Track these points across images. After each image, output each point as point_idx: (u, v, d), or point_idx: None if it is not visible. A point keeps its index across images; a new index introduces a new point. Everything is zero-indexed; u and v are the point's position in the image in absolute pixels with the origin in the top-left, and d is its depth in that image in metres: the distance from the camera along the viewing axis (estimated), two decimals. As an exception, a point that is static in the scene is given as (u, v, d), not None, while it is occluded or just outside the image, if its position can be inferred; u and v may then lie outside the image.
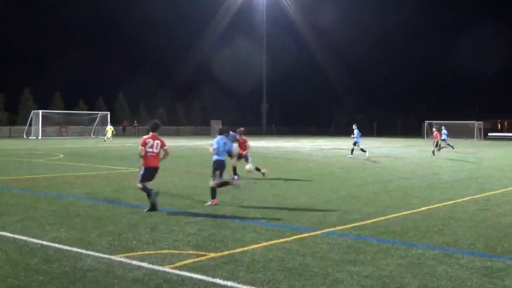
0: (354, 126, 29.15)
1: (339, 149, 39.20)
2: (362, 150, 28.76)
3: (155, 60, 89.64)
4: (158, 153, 11.35)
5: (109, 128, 52.90)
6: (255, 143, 48.19)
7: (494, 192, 14.92)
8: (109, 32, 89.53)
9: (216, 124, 79.84)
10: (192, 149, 37.54)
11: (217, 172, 12.25)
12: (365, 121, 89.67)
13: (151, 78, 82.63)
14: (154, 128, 11.49)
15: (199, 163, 24.51)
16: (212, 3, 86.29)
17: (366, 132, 77.20)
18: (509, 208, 12.15)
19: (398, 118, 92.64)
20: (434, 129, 33.42)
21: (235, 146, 17.04)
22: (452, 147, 36.47)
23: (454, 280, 6.58)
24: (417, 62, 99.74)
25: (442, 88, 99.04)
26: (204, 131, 78.11)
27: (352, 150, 29.09)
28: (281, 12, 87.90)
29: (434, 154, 30.51)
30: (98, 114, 65.28)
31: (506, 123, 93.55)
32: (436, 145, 31.79)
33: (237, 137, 17.57)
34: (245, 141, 17.61)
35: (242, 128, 18.08)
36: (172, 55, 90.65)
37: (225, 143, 12.62)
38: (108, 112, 65.37)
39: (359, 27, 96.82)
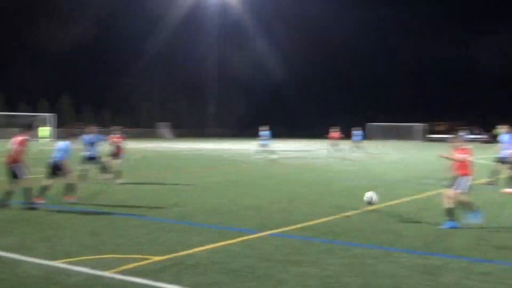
0: (264, 128, 29.58)
1: (283, 151, 39.45)
2: (267, 152, 29.27)
3: (100, 61, 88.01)
4: (14, 152, 11.75)
5: (44, 129, 55.01)
6: (201, 145, 47.99)
7: (432, 192, 15.32)
8: (50, 30, 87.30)
9: (164, 127, 79.23)
10: (139, 152, 37.03)
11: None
12: (316, 123, 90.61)
13: (96, 80, 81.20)
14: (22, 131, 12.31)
15: (146, 166, 24.23)
16: (159, 4, 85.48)
17: (320, 135, 78.04)
18: (448, 207, 12.49)
19: (343, 120, 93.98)
20: (331, 130, 33.38)
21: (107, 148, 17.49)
22: (359, 151, 35.99)
23: (394, 278, 6.73)
24: (365, 64, 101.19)
25: (386, 91, 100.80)
26: (151, 133, 77.25)
27: (263, 152, 29.43)
28: (233, 10, 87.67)
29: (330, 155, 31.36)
30: (40, 116, 63.56)
31: (446, 125, 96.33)
32: (333, 146, 32.22)
33: (110, 139, 17.57)
34: (118, 143, 17.53)
35: (117, 127, 18.34)
36: (118, 56, 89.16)
37: (59, 148, 12.92)
38: (54, 114, 63.84)
39: (304, 27, 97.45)
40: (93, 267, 7.02)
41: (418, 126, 72.52)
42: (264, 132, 29.07)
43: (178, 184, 16.70)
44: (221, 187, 15.92)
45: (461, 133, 11.52)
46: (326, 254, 7.90)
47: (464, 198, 10.09)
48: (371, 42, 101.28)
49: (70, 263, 7.23)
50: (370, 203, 11.77)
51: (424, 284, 6.53)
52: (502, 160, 16.72)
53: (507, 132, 16.66)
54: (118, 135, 17.75)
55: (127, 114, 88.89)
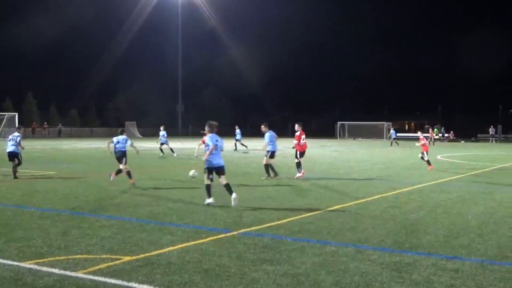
0: (161, 128, 31.76)
1: (255, 150, 39.52)
2: (171, 150, 31.08)
3: (66, 60, 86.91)
4: None
5: None
6: (172, 144, 47.66)
7: (402, 190, 15.55)
8: (16, 29, 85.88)
9: (131, 126, 78.55)
10: (105, 151, 36.61)
11: None
12: (281, 121, 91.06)
13: (63, 79, 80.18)
14: None
15: (112, 165, 23.96)
16: (127, 3, 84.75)
17: (281, 132, 78.34)
18: (415, 205, 12.71)
19: (313, 119, 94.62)
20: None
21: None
22: (246, 146, 38.33)
23: (365, 276, 6.81)
24: (332, 66, 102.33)
25: (354, 91, 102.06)
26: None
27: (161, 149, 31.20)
28: (197, 11, 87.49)
29: None
30: (5, 115, 62.37)
31: (412, 123, 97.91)
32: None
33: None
34: None
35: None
36: (86, 55, 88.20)
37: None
38: (16, 114, 62.61)
39: (273, 28, 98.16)
40: (63, 268, 6.94)
41: (387, 125, 73.34)
42: (162, 132, 31.60)
43: (147, 182, 16.57)
44: (193, 185, 15.84)
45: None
46: (297, 252, 7.95)
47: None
48: (338, 42, 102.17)
49: (40, 264, 7.12)
50: (193, 177, 14.05)
51: (395, 281, 6.62)
52: None
53: None
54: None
55: (94, 113, 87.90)
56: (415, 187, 16.37)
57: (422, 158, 23.39)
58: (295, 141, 18.88)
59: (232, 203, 11.85)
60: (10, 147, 18.11)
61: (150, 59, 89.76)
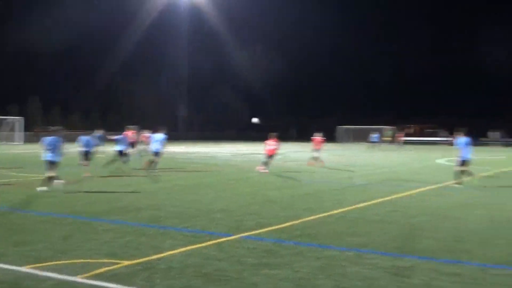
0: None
1: (258, 153, 39.51)
2: None
3: (72, 64, 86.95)
4: None
5: None
6: (173, 148, 47.73)
7: (403, 194, 15.54)
8: (20, 33, 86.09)
9: (136, 129, 78.60)
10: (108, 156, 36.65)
11: None
12: (283, 125, 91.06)
13: (66, 83, 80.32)
14: None
15: (115, 170, 23.99)
16: (133, 5, 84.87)
17: (285, 136, 78.16)
18: (417, 209, 12.70)
19: (315, 123, 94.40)
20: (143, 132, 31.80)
21: None
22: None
23: (365, 280, 6.81)
24: (337, 70, 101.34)
25: (355, 96, 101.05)
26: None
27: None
28: (203, 14, 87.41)
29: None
30: (9, 119, 62.53)
31: (416, 128, 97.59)
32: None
33: None
34: None
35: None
36: (89, 58, 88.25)
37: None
38: (22, 117, 62.88)
39: (275, 30, 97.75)
40: (63, 272, 6.94)
41: (389, 129, 73.17)
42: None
43: (150, 187, 16.59)
44: (195, 190, 15.85)
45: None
46: (298, 256, 7.95)
47: None
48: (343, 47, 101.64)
49: (40, 268, 7.13)
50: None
51: (395, 285, 6.63)
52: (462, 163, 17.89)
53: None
54: None
55: (96, 118, 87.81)
56: (416, 190, 16.34)
57: None
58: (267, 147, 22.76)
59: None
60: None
61: (155, 61, 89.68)
